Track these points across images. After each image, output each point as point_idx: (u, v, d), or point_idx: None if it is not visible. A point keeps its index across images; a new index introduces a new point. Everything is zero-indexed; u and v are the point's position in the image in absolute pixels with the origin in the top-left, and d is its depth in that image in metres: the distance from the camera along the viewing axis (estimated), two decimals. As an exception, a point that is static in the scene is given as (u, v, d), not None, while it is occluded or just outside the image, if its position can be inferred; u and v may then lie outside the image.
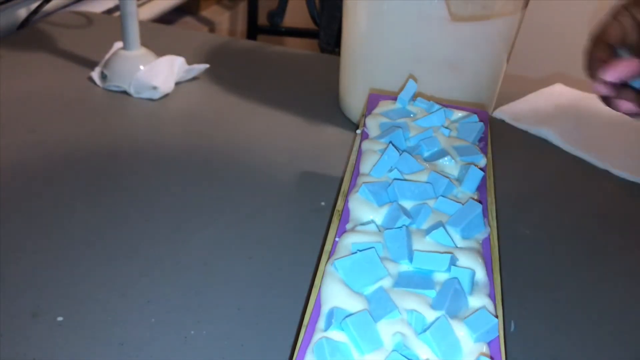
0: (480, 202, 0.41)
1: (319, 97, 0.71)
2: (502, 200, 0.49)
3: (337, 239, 0.37)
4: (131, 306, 0.42)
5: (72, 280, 0.43)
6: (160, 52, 0.70)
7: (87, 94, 0.68)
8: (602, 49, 0.46)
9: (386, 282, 0.33)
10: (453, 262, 0.35)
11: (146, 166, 0.57)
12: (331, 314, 0.31)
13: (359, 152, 0.45)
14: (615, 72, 0.43)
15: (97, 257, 0.46)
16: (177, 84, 0.70)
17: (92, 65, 0.72)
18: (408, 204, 0.39)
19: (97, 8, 0.94)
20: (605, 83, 0.44)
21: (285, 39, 1.43)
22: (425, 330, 0.31)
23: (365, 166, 0.43)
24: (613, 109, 0.45)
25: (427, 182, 0.41)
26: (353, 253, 0.34)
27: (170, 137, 0.62)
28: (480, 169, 0.43)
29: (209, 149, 0.60)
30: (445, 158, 0.44)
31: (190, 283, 0.44)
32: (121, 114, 0.65)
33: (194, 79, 0.72)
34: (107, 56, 0.70)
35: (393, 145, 0.43)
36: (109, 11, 0.97)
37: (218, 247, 0.48)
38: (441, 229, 0.37)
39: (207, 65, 0.72)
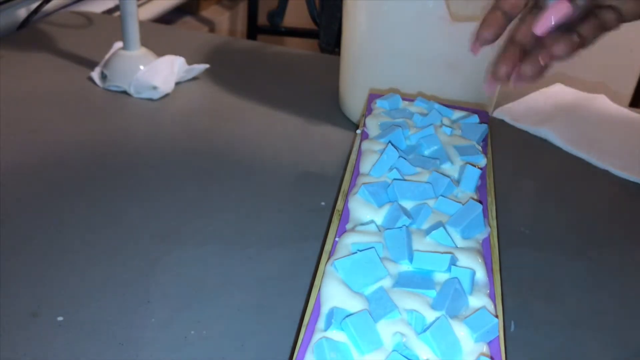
0: (480, 202, 0.41)
1: (319, 97, 0.71)
2: (502, 200, 0.49)
3: (337, 239, 0.37)
4: (131, 306, 0.42)
5: (72, 280, 0.43)
6: (160, 52, 0.70)
7: (87, 94, 0.68)
8: None
9: (386, 282, 0.33)
10: (453, 262, 0.35)
11: (146, 166, 0.57)
12: (331, 314, 0.31)
13: (359, 152, 0.45)
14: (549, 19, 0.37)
15: (97, 257, 0.46)
16: (177, 84, 0.70)
17: (92, 65, 0.72)
18: (408, 204, 0.39)
19: (97, 8, 0.94)
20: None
21: (285, 39, 1.43)
22: (425, 330, 0.31)
23: (365, 166, 0.43)
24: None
25: (427, 182, 0.41)
26: (353, 253, 0.34)
27: (170, 137, 0.62)
28: (480, 168, 0.43)
29: (208, 148, 0.60)
30: (445, 164, 0.44)
31: (190, 283, 0.44)
32: (121, 114, 0.65)
33: (194, 79, 0.72)
34: (107, 56, 0.70)
35: (392, 145, 0.43)
36: (109, 11, 0.97)
37: (218, 247, 0.48)
38: (441, 229, 0.37)
39: (207, 65, 0.72)
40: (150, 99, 0.67)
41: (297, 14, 1.08)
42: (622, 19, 0.41)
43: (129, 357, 0.38)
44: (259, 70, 0.77)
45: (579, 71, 0.87)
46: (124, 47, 0.68)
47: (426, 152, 0.45)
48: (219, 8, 1.40)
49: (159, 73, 0.67)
